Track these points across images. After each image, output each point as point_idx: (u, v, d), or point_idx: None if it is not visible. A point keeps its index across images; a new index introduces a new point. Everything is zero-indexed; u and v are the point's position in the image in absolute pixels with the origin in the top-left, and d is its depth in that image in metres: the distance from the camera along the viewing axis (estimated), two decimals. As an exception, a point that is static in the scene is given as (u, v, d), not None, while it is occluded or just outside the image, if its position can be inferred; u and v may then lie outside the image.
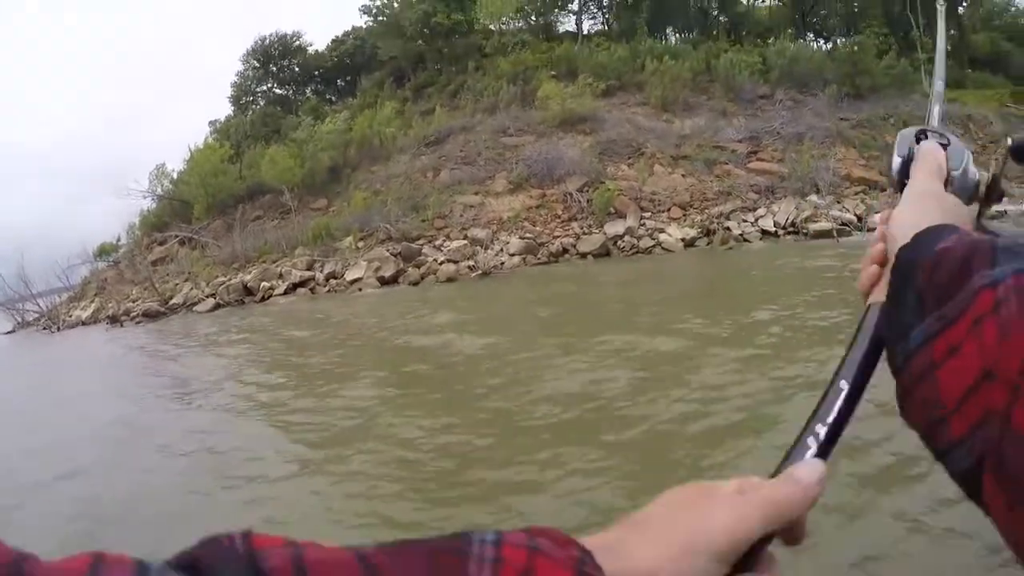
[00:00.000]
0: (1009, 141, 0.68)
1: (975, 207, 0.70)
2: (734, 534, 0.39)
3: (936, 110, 0.87)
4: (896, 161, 0.73)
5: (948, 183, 0.69)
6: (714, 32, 32.73)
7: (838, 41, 33.57)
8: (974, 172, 0.71)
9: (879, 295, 0.56)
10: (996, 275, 0.41)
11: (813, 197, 18.34)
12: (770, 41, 29.80)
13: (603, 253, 16.92)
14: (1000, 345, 0.38)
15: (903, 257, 0.52)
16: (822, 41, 35.19)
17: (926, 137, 0.74)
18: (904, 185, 0.69)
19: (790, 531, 0.42)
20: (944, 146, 0.73)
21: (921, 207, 0.61)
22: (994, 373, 0.38)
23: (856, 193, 19.03)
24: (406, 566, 0.29)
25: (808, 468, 0.44)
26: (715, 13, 34.50)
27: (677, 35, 34.01)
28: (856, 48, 27.95)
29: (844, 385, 0.49)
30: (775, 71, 26.34)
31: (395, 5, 31.09)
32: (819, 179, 19.13)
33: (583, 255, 16.99)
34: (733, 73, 25.46)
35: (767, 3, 37.41)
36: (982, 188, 0.71)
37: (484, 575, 0.31)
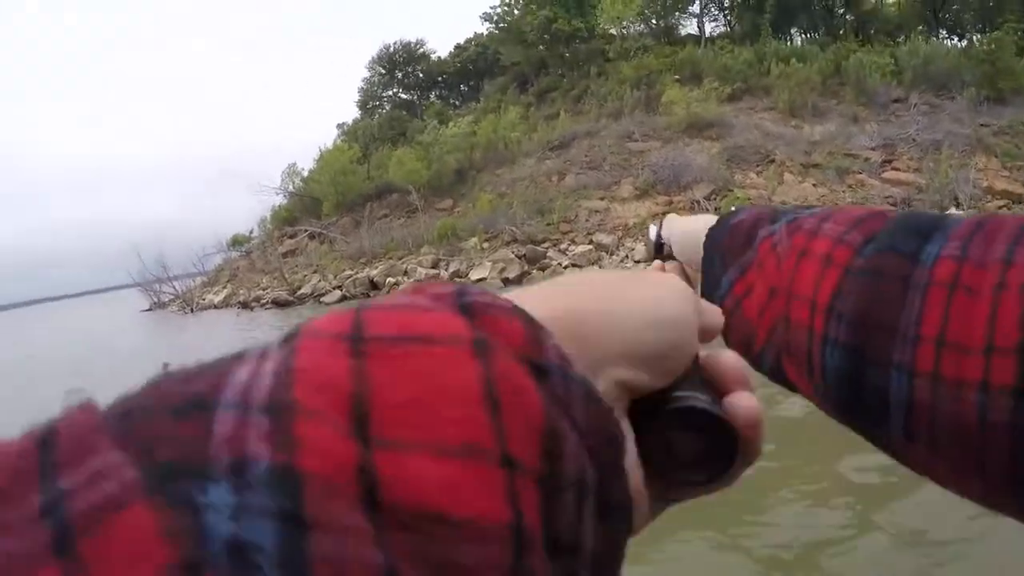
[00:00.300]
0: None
1: None
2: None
3: None
4: (652, 229, 0.83)
5: None
6: (840, 31, 31.65)
7: (973, 38, 31.75)
8: None
9: None
10: (773, 228, 0.55)
11: (953, 210, 17.61)
12: (900, 40, 28.58)
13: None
14: (778, 270, 0.52)
15: (711, 235, 0.64)
16: (956, 38, 33.48)
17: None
18: (660, 246, 0.80)
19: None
20: None
21: (697, 217, 0.72)
22: (776, 290, 0.51)
23: (999, 207, 17.99)
24: (126, 404, 0.19)
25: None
26: (841, 11, 33.28)
27: (802, 35, 33.10)
28: (993, 46, 26.24)
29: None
30: (908, 72, 25.02)
31: (516, 12, 31.73)
32: (959, 191, 18.28)
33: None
34: (864, 75, 24.40)
35: (896, -1, 35.83)
36: None
37: (265, 365, 0.20)
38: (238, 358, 0.20)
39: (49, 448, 0.16)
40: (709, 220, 0.69)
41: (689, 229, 0.71)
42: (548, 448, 0.21)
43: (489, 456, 0.19)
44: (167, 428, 0.17)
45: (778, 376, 0.54)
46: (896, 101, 23.95)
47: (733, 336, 0.58)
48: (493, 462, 0.19)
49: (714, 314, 0.37)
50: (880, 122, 22.66)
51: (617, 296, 0.30)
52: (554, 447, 0.21)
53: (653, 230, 0.83)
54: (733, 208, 0.69)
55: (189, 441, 0.17)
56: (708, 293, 0.62)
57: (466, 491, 0.19)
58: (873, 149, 20.97)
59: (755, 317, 0.54)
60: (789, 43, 30.68)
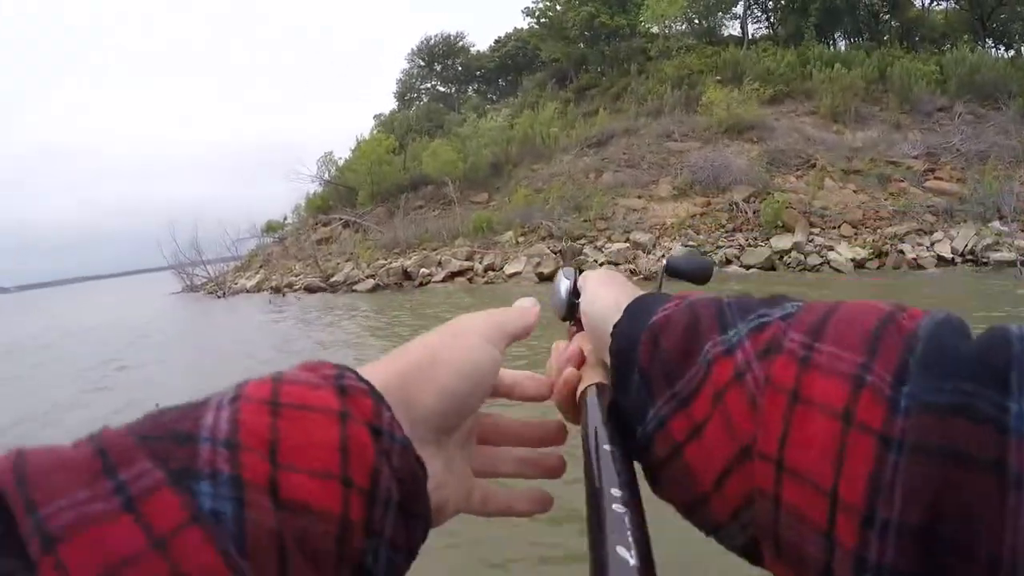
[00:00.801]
0: (665, 260, 0.71)
1: None
2: (496, 321, 0.49)
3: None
4: (564, 285, 0.70)
5: None
6: (885, 37, 31.28)
7: (1022, 48, 31.22)
8: None
9: (587, 382, 0.54)
10: (730, 339, 0.39)
11: (996, 223, 17.29)
12: (946, 48, 28.20)
13: (768, 267, 16.86)
14: (752, 419, 0.36)
15: (619, 335, 0.48)
16: (1003, 48, 32.90)
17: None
18: (573, 307, 0.67)
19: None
20: None
21: (614, 284, 0.59)
22: (752, 450, 0.36)
23: (1047, 221, 17.87)
24: (140, 429, 0.31)
25: (526, 302, 0.55)
26: (886, 17, 32.90)
27: (846, 40, 32.78)
28: (1043, 57, 25.70)
29: (617, 493, 0.39)
30: (953, 81, 24.59)
31: (558, 8, 31.79)
32: (1003, 204, 18.02)
33: (747, 267, 17.03)
34: (909, 83, 24.12)
35: (943, 7, 35.30)
36: None
37: (222, 415, 0.32)
38: (204, 405, 0.33)
39: (107, 455, 0.28)
40: (624, 292, 0.56)
41: (595, 307, 0.56)
42: (372, 478, 0.34)
43: (337, 478, 0.33)
44: (173, 450, 0.29)
45: (751, 558, 0.40)
46: (940, 110, 23.59)
47: (666, 487, 0.44)
48: (339, 482, 0.33)
49: (518, 329, 0.51)
50: (923, 130, 22.37)
51: (435, 357, 0.43)
52: (376, 477, 0.34)
53: (565, 283, 0.70)
54: (650, 294, 0.53)
55: (186, 459, 0.29)
56: (628, 428, 0.46)
57: (322, 495, 0.32)
58: (916, 157, 20.72)
59: (710, 481, 0.39)
60: (833, 47, 30.36)
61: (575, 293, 0.68)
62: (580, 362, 0.58)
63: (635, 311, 0.49)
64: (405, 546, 0.37)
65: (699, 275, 0.81)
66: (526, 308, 0.54)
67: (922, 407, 0.30)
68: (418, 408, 0.40)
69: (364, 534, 0.34)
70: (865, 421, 0.31)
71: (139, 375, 10.40)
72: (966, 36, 29.59)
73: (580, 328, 0.64)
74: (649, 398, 0.43)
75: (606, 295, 0.56)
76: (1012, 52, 31.27)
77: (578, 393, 0.54)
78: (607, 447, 0.44)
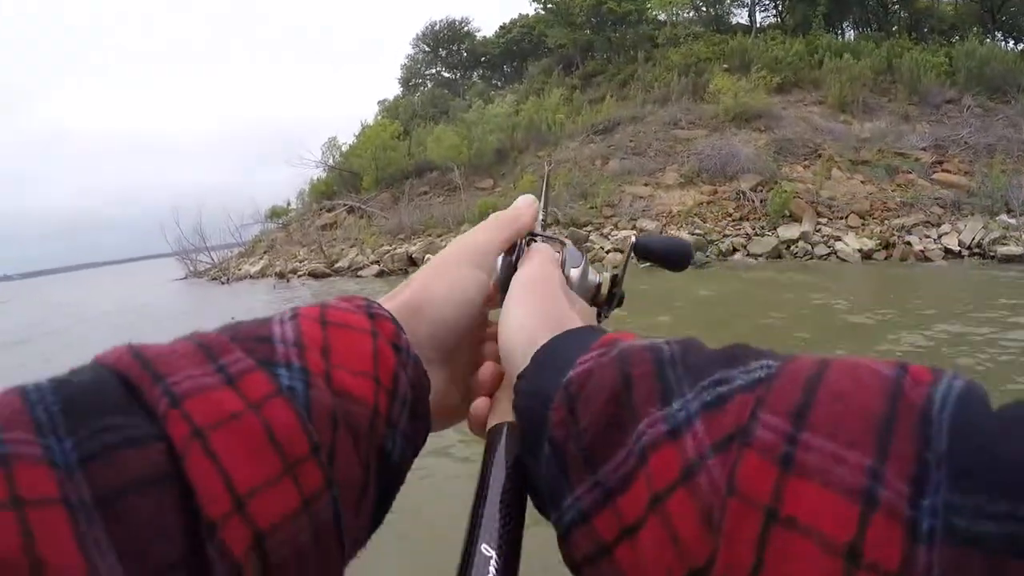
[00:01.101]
0: (633, 239, 0.64)
1: (593, 312, 0.60)
2: (477, 242, 0.57)
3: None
4: (497, 265, 0.58)
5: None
6: (893, 28, 31.10)
7: (1031, 41, 31.06)
8: (593, 274, 0.61)
9: (500, 416, 0.47)
10: (675, 416, 0.30)
11: (1004, 217, 17.19)
12: (954, 40, 28.01)
13: (775, 256, 16.82)
14: (706, 539, 0.26)
15: (525, 391, 0.41)
16: (1012, 41, 32.68)
17: (535, 241, 0.63)
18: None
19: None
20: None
21: (535, 302, 0.49)
22: (708, 574, 0.26)
23: (1055, 214, 17.80)
24: (227, 333, 0.37)
25: (524, 200, 0.63)
26: (895, 7, 32.68)
27: (854, 30, 32.55)
28: (1051, 50, 25.49)
29: (489, 551, 0.35)
30: (962, 73, 24.44)
31: (565, -8, 31.48)
32: (1011, 197, 17.88)
33: (754, 256, 16.99)
34: (918, 74, 23.99)
35: (953, -2, 34.97)
36: (603, 289, 0.62)
37: (287, 327, 0.39)
38: (270, 321, 0.40)
39: (209, 348, 0.34)
40: (544, 318, 0.47)
41: (507, 330, 0.48)
42: (393, 380, 0.41)
43: (371, 377, 0.40)
44: (256, 347, 0.36)
45: None
46: (948, 102, 23.49)
47: None
48: (372, 380, 0.40)
49: (512, 233, 0.60)
50: (932, 122, 22.27)
51: (425, 290, 0.52)
52: (396, 381, 0.41)
53: (499, 265, 0.58)
54: (572, 332, 0.43)
55: (267, 352, 0.36)
56: (540, 507, 0.40)
57: (360, 388, 0.39)
58: (924, 149, 20.62)
59: None
60: (841, 37, 30.16)
61: (507, 283, 0.56)
62: (495, 385, 0.52)
63: (545, 360, 0.41)
64: (412, 441, 0.44)
65: (674, 259, 0.65)
66: (519, 210, 0.62)
67: (957, 537, 0.20)
68: (419, 335, 0.48)
69: (386, 423, 0.40)
70: (878, 561, 0.21)
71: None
72: (975, 28, 29.41)
73: None
74: (565, 480, 0.35)
75: (522, 316, 0.48)
76: (1022, 46, 31.10)
77: (487, 426, 0.48)
78: (497, 507, 0.39)
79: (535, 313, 0.48)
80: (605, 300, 0.62)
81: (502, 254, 0.59)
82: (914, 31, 30.48)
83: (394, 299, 0.51)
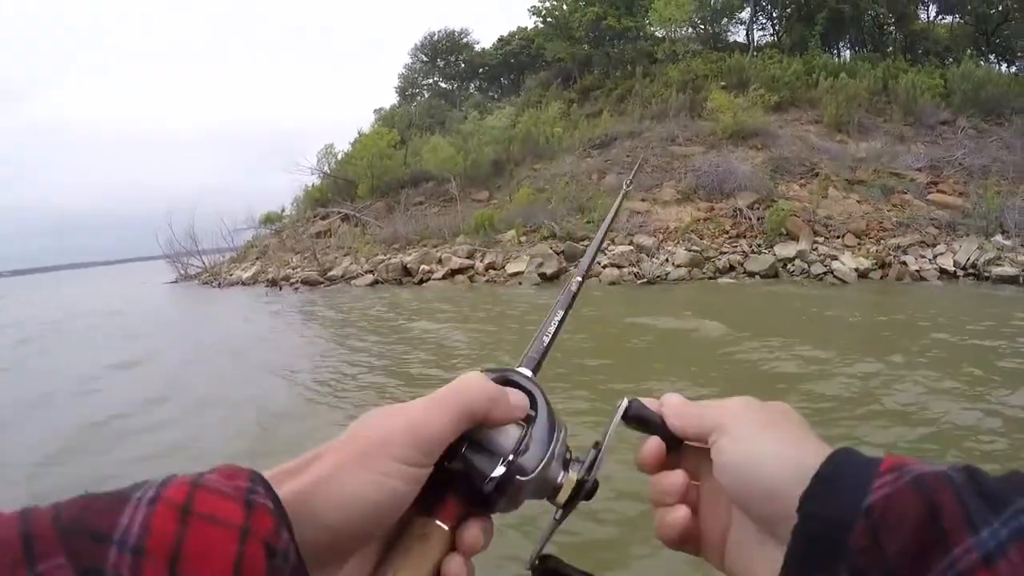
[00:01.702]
0: (626, 402, 0.53)
1: None
2: (431, 431, 0.44)
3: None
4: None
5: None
6: (888, 49, 31.36)
7: (1026, 65, 31.31)
8: (558, 467, 0.50)
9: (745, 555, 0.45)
10: (986, 544, 0.30)
11: (998, 238, 17.33)
12: (949, 62, 28.26)
13: (771, 275, 16.75)
14: None
15: (812, 512, 0.37)
16: (1006, 64, 32.98)
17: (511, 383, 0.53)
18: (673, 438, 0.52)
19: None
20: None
21: (779, 424, 0.45)
22: None
23: (1048, 237, 17.88)
24: (66, 517, 0.33)
25: (474, 381, 0.48)
26: (891, 29, 32.96)
27: (850, 50, 32.83)
28: (1045, 73, 25.73)
29: None
30: (957, 95, 24.68)
31: (564, 7, 31.69)
32: (1006, 218, 18.05)
33: (751, 274, 16.95)
34: (914, 95, 24.18)
35: (947, 20, 35.29)
36: (563, 494, 0.51)
37: (137, 516, 0.34)
38: (126, 501, 0.35)
39: (31, 546, 0.31)
40: (803, 442, 0.43)
41: (759, 460, 0.43)
42: None
43: None
44: (87, 548, 0.32)
45: None
46: (943, 123, 23.67)
47: None
48: None
49: (474, 400, 0.47)
50: (927, 143, 22.43)
51: (345, 475, 0.41)
52: None
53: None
54: (845, 451, 0.39)
55: (96, 558, 0.32)
56: None
57: None
58: (919, 170, 20.74)
59: None
60: (839, 57, 30.39)
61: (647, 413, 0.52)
62: (687, 499, 0.49)
63: (835, 480, 0.37)
64: None
65: (670, 435, 0.54)
66: (471, 395, 0.47)
67: None
68: (314, 530, 0.40)
69: None
70: None
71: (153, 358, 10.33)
72: (969, 51, 29.65)
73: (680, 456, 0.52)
74: None
75: (778, 445, 0.43)
76: (1015, 68, 31.38)
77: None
78: None
79: (790, 434, 0.44)
80: (564, 503, 0.51)
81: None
82: (909, 52, 30.72)
83: (294, 477, 0.41)
